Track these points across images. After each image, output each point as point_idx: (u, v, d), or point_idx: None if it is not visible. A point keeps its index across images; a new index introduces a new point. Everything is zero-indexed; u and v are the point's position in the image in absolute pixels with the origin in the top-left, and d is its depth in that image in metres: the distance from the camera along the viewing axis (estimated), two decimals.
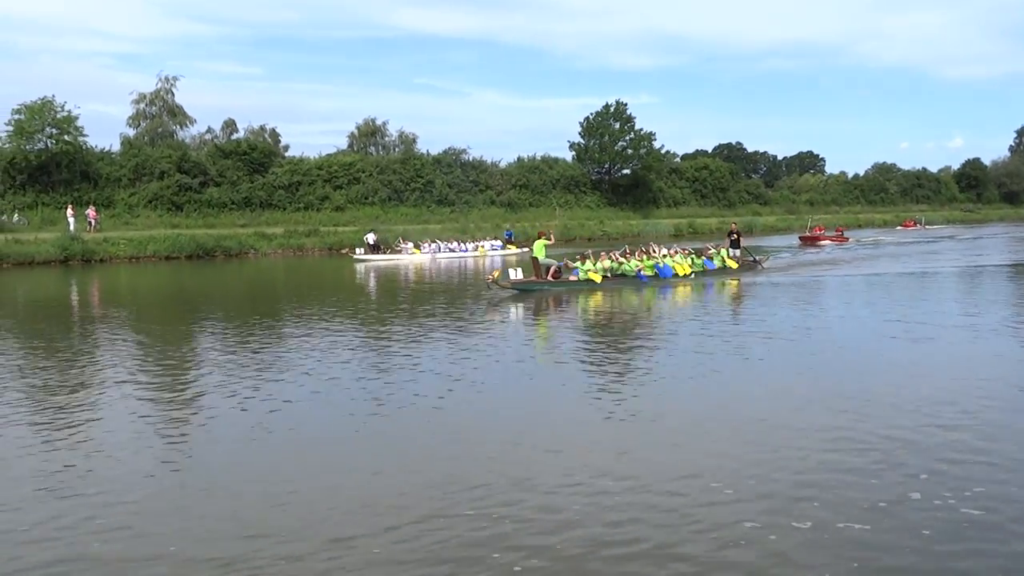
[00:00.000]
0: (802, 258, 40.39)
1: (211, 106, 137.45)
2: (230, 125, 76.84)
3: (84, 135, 57.96)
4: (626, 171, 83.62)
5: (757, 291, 25.14)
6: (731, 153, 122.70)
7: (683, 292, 25.25)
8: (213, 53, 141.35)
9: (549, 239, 27.62)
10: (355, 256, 44.11)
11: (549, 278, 25.95)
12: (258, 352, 15.24)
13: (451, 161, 73.57)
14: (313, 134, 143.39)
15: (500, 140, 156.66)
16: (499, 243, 50.70)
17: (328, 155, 71.28)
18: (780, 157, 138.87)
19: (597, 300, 23.16)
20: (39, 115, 55.38)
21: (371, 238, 47.28)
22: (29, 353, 15.50)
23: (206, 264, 42.40)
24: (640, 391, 11.51)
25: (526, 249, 45.74)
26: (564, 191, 78.71)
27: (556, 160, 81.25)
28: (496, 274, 25.66)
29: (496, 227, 63.06)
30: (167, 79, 69.06)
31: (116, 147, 63.59)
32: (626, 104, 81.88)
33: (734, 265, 31.06)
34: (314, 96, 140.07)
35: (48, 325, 20.08)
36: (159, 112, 68.82)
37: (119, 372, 13.48)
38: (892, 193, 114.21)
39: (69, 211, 49.45)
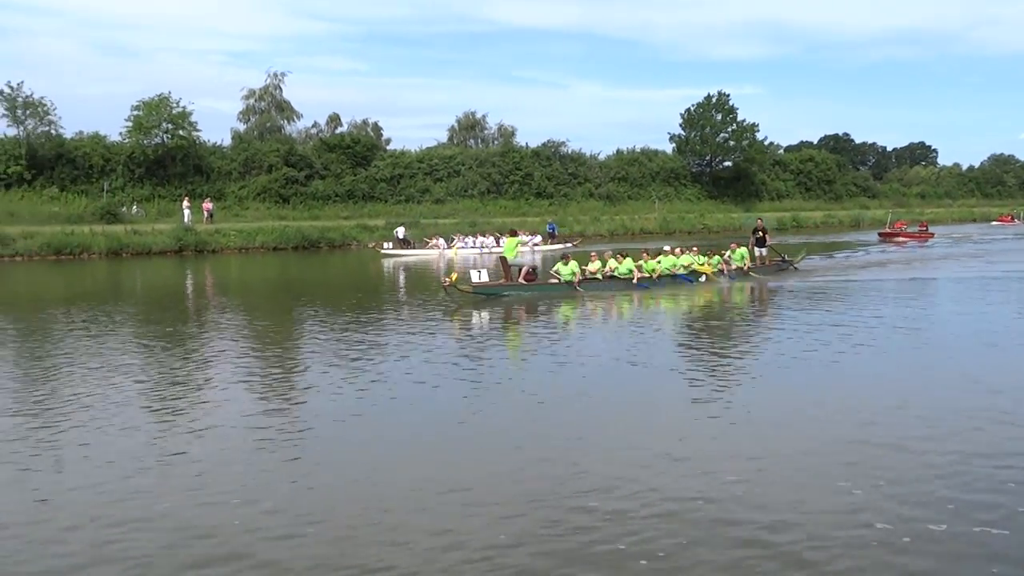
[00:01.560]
0: (855, 258, 36.22)
1: (317, 101, 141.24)
2: (335, 119, 78.81)
3: (198, 130, 60.47)
4: (728, 163, 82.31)
5: (744, 298, 22.22)
6: (838, 144, 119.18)
7: (683, 297, 22.20)
8: (321, 49, 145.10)
9: (523, 237, 25.35)
10: (383, 251, 42.41)
11: (521, 280, 23.05)
12: (361, 340, 15.62)
13: (550, 154, 73.71)
14: (414, 127, 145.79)
15: (599, 132, 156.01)
16: (539, 237, 47.64)
17: (428, 148, 72.44)
18: (890, 148, 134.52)
19: (577, 306, 20.43)
20: (156, 111, 57.86)
21: (400, 232, 46.16)
22: (147, 339, 16.24)
23: (311, 255, 43.57)
24: (734, 392, 11.35)
25: (570, 244, 44.58)
26: (664, 184, 77.93)
27: (656, 152, 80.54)
28: (454, 276, 22.10)
29: (595, 220, 62.92)
30: (276, 75, 71.28)
31: (227, 142, 66.17)
32: (728, 95, 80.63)
33: (746, 266, 26.95)
34: (416, 90, 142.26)
35: (164, 312, 21.03)
36: (268, 107, 71.00)
37: (229, 357, 14.02)
38: (1010, 186, 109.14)
39: (185, 203, 51.57)
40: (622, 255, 24.50)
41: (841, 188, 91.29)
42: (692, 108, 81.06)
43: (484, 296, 21.77)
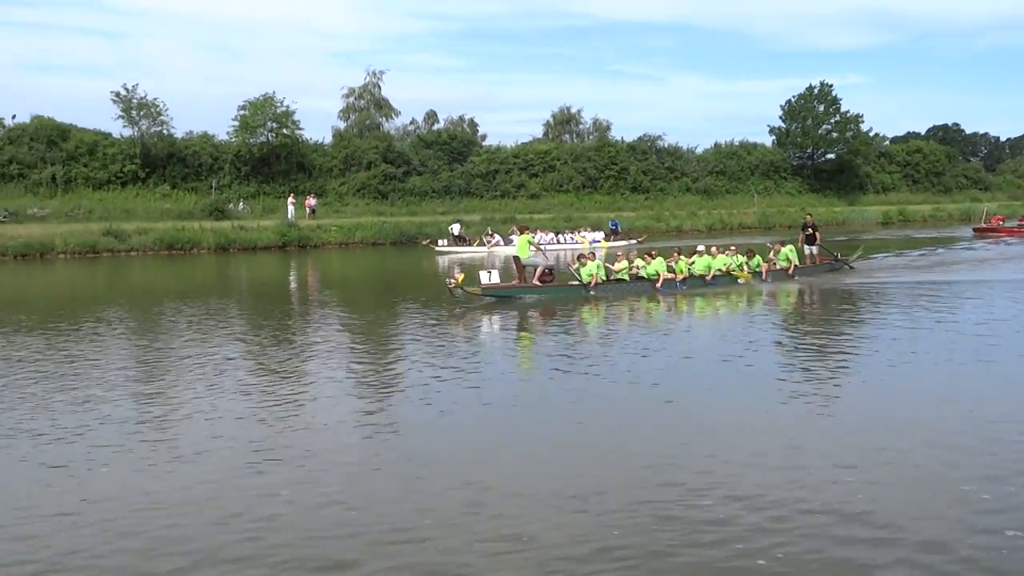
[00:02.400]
0: (935, 256, 33.03)
1: (415, 98, 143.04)
2: (432, 116, 79.79)
3: (300, 128, 62.10)
4: (830, 155, 79.96)
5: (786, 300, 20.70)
6: (947, 135, 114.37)
7: (719, 300, 20.66)
8: (419, 47, 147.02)
9: (534, 235, 22.85)
10: (437, 248, 41.39)
11: (536, 282, 21.43)
12: (455, 335, 15.86)
13: (646, 148, 73.06)
14: (510, 123, 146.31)
15: (696, 126, 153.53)
16: (600, 234, 46.14)
17: (523, 143, 72.67)
18: (1003, 138, 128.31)
19: (603, 310, 19.15)
20: (261, 111, 59.70)
21: (455, 229, 45.25)
22: (254, 332, 16.84)
23: (409, 250, 44.29)
24: (843, 393, 11.10)
25: (634, 241, 42.67)
26: (763, 177, 76.27)
27: (755, 145, 78.84)
28: (461, 277, 20.27)
29: (692, 215, 62.11)
30: (375, 74, 72.62)
31: (328, 139, 67.74)
32: (831, 85, 78.27)
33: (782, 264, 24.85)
34: (512, 86, 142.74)
35: (271, 306, 21.77)
36: (367, 105, 72.41)
37: (333, 351, 14.44)
38: None
39: (288, 199, 53.11)
40: (652, 255, 23.02)
41: (951, 180, 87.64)
42: (793, 99, 79.03)
43: (494, 298, 20.56)
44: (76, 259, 39.36)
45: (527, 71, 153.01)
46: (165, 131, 58.93)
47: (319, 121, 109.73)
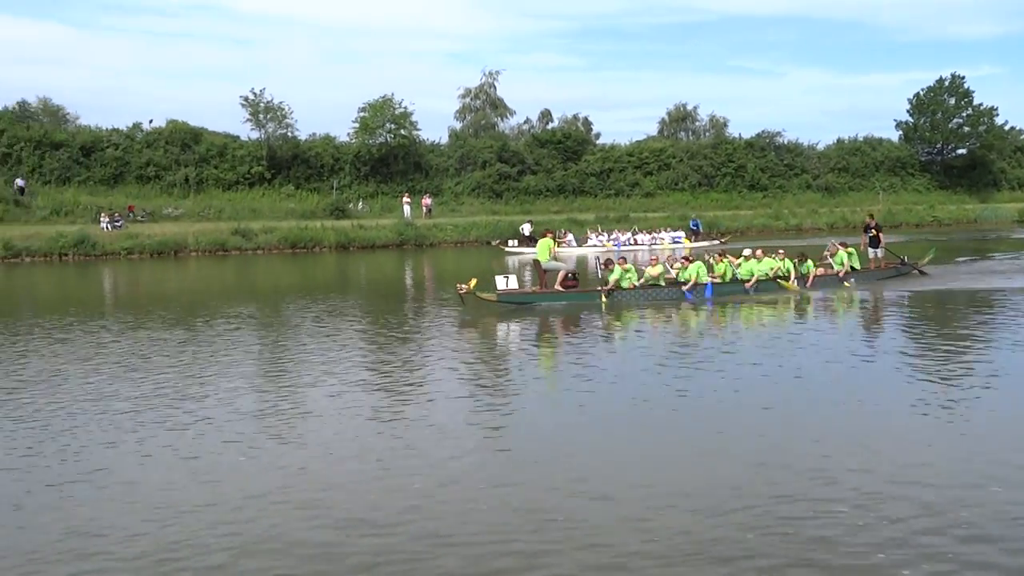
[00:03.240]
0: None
1: (529, 98, 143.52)
2: (546, 115, 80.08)
3: (417, 129, 63.47)
4: (961, 151, 76.34)
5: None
6: None
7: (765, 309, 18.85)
8: (534, 46, 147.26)
9: (555, 240, 20.99)
10: (507, 248, 40.53)
11: (559, 287, 19.94)
12: (575, 331, 15.94)
13: (764, 144, 71.43)
14: (624, 121, 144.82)
15: (817, 121, 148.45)
16: (681, 234, 44.56)
17: (638, 142, 72.19)
18: None
19: (634, 318, 17.91)
20: (380, 112, 61.25)
21: (526, 229, 44.38)
22: (373, 329, 17.33)
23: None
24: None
25: (716, 242, 40.91)
26: (888, 174, 73.46)
27: (880, 141, 75.96)
28: (472, 282, 18.75)
29: (812, 213, 60.39)
30: (490, 74, 73.52)
31: (444, 139, 68.90)
32: (963, 77, 74.74)
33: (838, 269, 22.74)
34: (626, 83, 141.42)
35: (388, 303, 22.38)
36: (482, 105, 73.31)
37: (447, 348, 14.74)
38: None
39: (405, 199, 54.31)
40: (689, 259, 21.28)
41: None
42: (921, 92, 75.77)
43: (513, 306, 19.39)
44: (207, 256, 41.32)
45: (642, 68, 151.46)
46: (290, 133, 61.20)
47: (436, 121, 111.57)
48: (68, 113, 64.73)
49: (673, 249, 34.02)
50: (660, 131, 78.67)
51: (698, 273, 20.50)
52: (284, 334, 16.68)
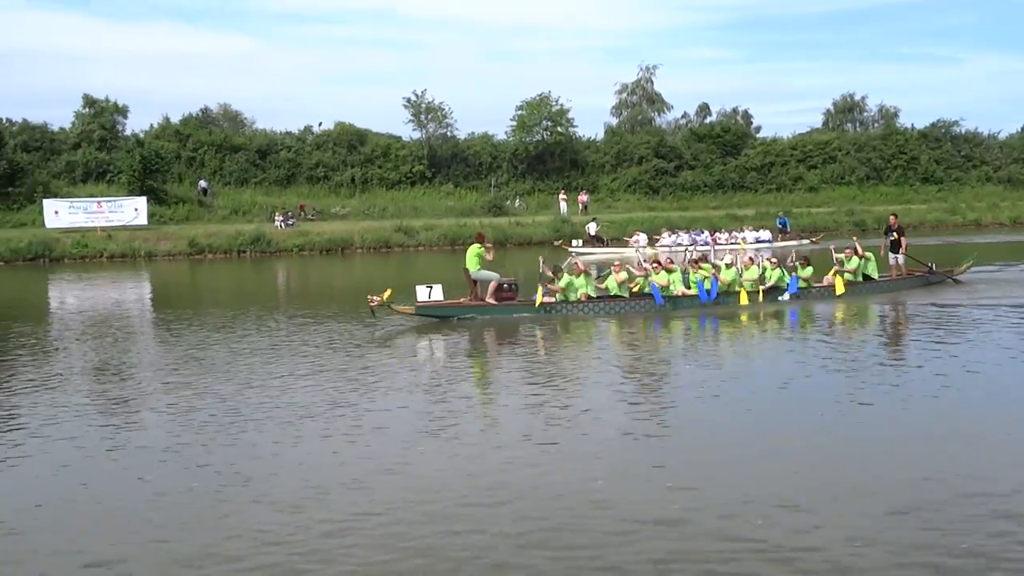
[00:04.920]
0: None
1: (686, 92, 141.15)
2: (704, 109, 78.61)
3: (574, 126, 63.77)
4: None
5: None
6: None
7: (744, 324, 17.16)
8: (691, 40, 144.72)
9: (487, 246, 18.55)
10: (571, 248, 38.20)
11: (490, 300, 17.91)
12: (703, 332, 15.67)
13: (939, 135, 67.47)
14: (785, 113, 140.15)
15: (998, 109, 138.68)
16: (766, 233, 41.65)
17: (801, 134, 69.82)
18: None
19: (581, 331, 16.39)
20: (537, 110, 61.90)
21: (592, 228, 42.93)
22: (526, 328, 17.59)
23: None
24: None
25: (807, 241, 38.18)
26: None
27: None
28: (387, 294, 16.98)
29: (993, 207, 56.59)
30: (647, 69, 72.91)
31: (600, 136, 68.89)
32: None
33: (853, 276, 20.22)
34: (787, 75, 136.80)
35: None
36: (639, 101, 72.81)
37: (597, 345, 14.80)
38: None
39: (561, 196, 54.65)
40: (660, 263, 19.34)
41: None
42: None
43: (436, 319, 17.55)
44: (371, 253, 43.00)
45: (804, 59, 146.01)
46: (449, 133, 62.83)
47: (592, 118, 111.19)
48: (245, 118, 69.05)
49: (758, 249, 31.13)
50: (825, 123, 75.73)
51: (672, 282, 18.54)
52: (445, 331, 17.14)
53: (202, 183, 54.71)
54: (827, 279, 19.91)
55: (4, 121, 54.88)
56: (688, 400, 10.66)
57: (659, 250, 37.47)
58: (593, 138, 67.73)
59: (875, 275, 20.63)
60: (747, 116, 78.69)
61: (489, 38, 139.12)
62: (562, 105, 62.18)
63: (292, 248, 42.97)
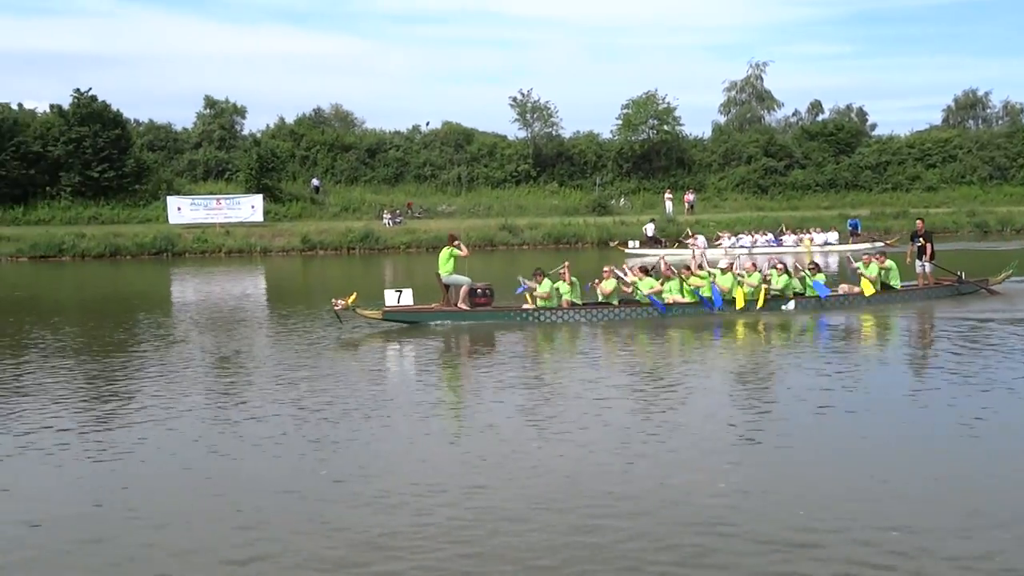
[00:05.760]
0: None
1: (798, 88, 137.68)
2: (816, 107, 76.62)
3: (680, 124, 63.15)
4: None
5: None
6: None
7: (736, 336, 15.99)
8: (803, 35, 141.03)
9: (460, 249, 17.70)
10: (627, 250, 37.92)
11: (461, 305, 17.26)
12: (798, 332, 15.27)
13: None
14: (902, 110, 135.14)
15: None
16: (834, 235, 39.56)
17: (919, 132, 67.32)
18: None
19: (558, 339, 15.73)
20: (643, 108, 61.46)
21: (650, 229, 41.81)
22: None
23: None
24: None
25: (880, 244, 35.27)
26: None
27: None
28: (352, 297, 16.54)
29: None
30: (757, 65, 71.67)
31: (707, 134, 67.95)
32: None
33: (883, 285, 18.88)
34: (905, 70, 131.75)
35: None
36: (748, 98, 71.53)
37: (703, 347, 14.65)
38: None
39: (667, 195, 54.11)
40: (645, 270, 18.33)
41: None
42: None
43: (406, 325, 16.99)
44: (476, 252, 43.35)
45: (923, 53, 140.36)
46: (554, 132, 62.90)
47: (699, 116, 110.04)
48: (356, 118, 70.74)
49: (825, 253, 29.03)
50: (945, 120, 72.82)
51: (669, 289, 17.80)
52: (545, 328, 17.24)
53: (314, 181, 56.37)
54: (843, 287, 19.14)
55: (132, 122, 57.72)
56: (800, 411, 10.48)
57: (712, 252, 35.87)
58: (700, 136, 66.97)
59: (896, 284, 19.28)
60: (862, 113, 76.36)
61: (594, 36, 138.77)
62: (668, 103, 61.70)
63: (399, 245, 43.85)
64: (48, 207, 49.02)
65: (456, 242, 17.88)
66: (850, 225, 42.33)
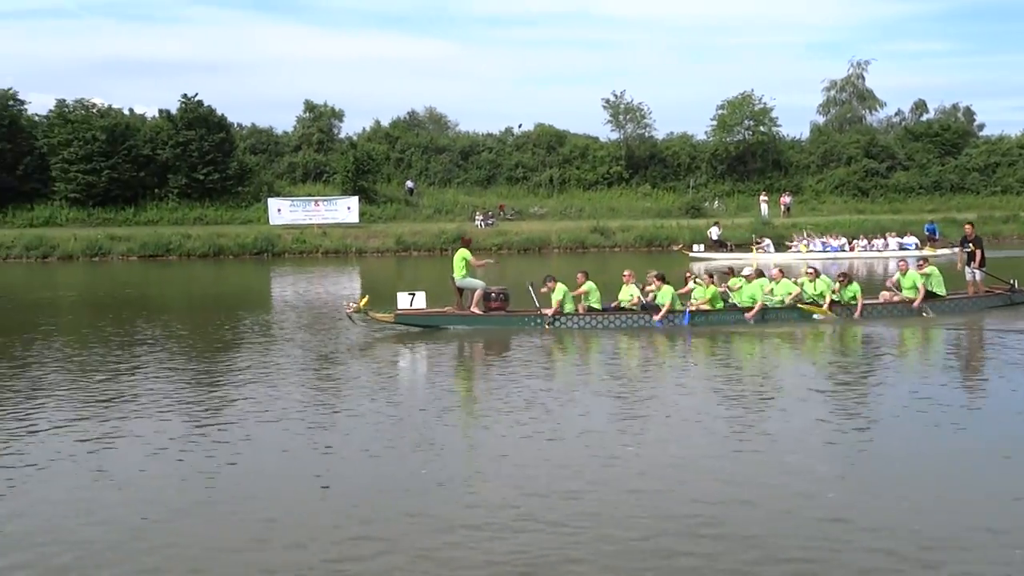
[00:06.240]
0: None
1: (901, 87, 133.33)
2: (920, 106, 74.02)
3: (777, 125, 61.92)
4: None
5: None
6: None
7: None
8: (907, 32, 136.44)
9: (471, 255, 17.41)
10: (691, 254, 37.19)
11: (474, 310, 16.91)
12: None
13: None
14: (1012, 110, 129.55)
15: None
16: (911, 240, 37.78)
17: None
18: None
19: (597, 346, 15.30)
20: (739, 109, 60.45)
21: (714, 233, 40.95)
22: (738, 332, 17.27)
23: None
24: None
25: (956, 250, 33.45)
26: None
27: None
28: (364, 301, 16.64)
29: None
30: (858, 64, 69.71)
31: (805, 135, 66.47)
32: None
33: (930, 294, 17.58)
34: (1015, 68, 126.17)
35: None
36: (848, 98, 69.58)
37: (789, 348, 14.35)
38: None
39: (762, 197, 53.09)
40: (660, 278, 17.21)
41: None
42: None
43: (419, 328, 16.81)
44: (567, 253, 43.52)
45: None
46: (647, 133, 62.40)
47: (796, 116, 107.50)
48: (449, 120, 71.55)
49: (903, 258, 27.30)
50: None
51: (672, 299, 16.83)
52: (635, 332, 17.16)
53: (409, 183, 57.26)
54: (883, 296, 18.07)
55: (236, 126, 59.65)
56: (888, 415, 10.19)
57: (782, 257, 35.81)
58: (797, 137, 65.56)
59: (941, 291, 17.90)
60: (969, 113, 73.45)
61: (689, 35, 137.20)
62: (765, 104, 60.54)
63: (491, 247, 44.13)
64: (156, 208, 51.10)
65: (467, 244, 17.78)
66: (927, 230, 40.95)
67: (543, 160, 61.09)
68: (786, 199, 54.28)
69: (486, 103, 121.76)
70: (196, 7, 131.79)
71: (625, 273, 17.60)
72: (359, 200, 49.32)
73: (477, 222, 48.84)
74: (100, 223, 48.11)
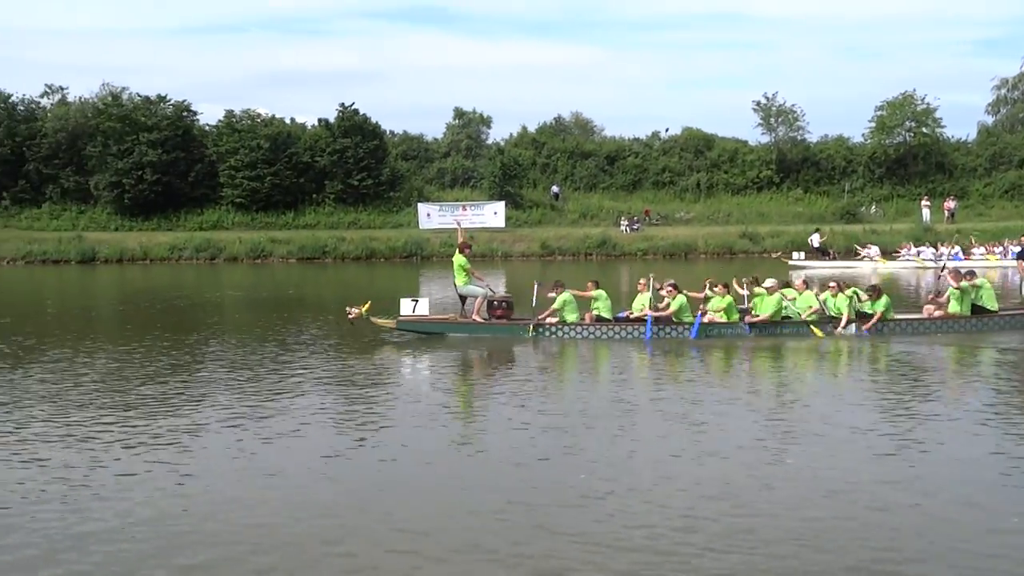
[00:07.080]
0: None
1: None
2: None
3: (941, 126, 58.90)
4: None
5: None
6: None
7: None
8: None
9: (467, 254, 16.89)
10: (791, 262, 35.62)
11: (476, 317, 16.36)
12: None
13: None
14: None
15: None
16: (1015, 249, 32.80)
17: None
18: None
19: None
20: (899, 110, 57.83)
21: (815, 240, 39.26)
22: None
23: None
24: None
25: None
26: None
27: None
28: (366, 306, 16.19)
29: None
30: None
31: (972, 136, 62.86)
32: None
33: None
34: None
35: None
36: (1021, 97, 65.30)
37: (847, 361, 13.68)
38: None
39: (924, 202, 50.52)
40: (675, 287, 16.46)
41: None
42: None
43: (423, 335, 16.45)
44: (714, 259, 42.78)
45: None
46: (799, 136, 60.57)
47: (962, 117, 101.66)
48: (595, 125, 71.60)
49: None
50: None
51: (681, 308, 16.15)
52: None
53: (554, 188, 57.69)
54: (926, 309, 16.69)
55: (388, 133, 61.77)
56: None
57: (891, 265, 34.29)
58: (963, 139, 62.04)
59: (991, 305, 16.25)
60: None
61: (845, 34, 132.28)
62: (928, 104, 57.64)
63: (636, 252, 44.03)
64: (314, 213, 53.54)
65: (467, 251, 17.23)
66: None
67: (690, 164, 60.26)
68: (950, 204, 51.46)
69: (633, 107, 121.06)
70: (353, 20, 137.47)
71: (640, 282, 17.22)
72: (505, 205, 50.10)
73: (622, 227, 48.72)
74: (262, 227, 50.87)
